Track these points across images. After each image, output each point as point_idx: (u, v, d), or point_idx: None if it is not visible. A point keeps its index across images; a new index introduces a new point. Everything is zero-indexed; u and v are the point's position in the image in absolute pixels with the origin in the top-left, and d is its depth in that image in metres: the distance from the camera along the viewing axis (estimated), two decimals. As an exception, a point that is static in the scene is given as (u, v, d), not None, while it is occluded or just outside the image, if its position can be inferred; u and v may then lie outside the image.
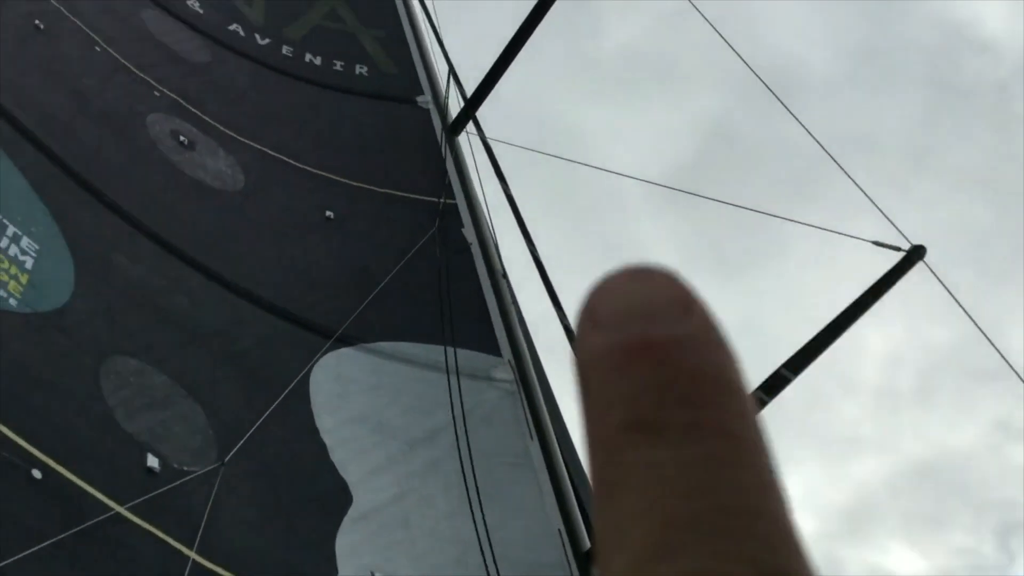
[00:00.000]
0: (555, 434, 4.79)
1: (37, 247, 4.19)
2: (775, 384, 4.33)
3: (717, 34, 6.11)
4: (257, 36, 7.69)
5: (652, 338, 0.32)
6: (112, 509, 3.29)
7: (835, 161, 5.18)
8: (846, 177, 5.10)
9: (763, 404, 4.27)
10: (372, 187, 6.46)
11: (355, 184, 6.44)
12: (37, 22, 5.60)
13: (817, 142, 5.38)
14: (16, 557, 2.84)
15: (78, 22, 5.97)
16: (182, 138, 5.80)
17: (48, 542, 2.96)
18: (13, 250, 4.05)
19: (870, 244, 4.81)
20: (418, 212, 6.28)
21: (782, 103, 5.62)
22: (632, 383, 0.32)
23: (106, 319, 4.17)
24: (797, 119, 5.55)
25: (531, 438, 4.79)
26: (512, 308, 5.44)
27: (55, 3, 5.90)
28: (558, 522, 4.47)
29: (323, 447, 4.56)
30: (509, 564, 4.44)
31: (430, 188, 6.45)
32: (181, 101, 6.15)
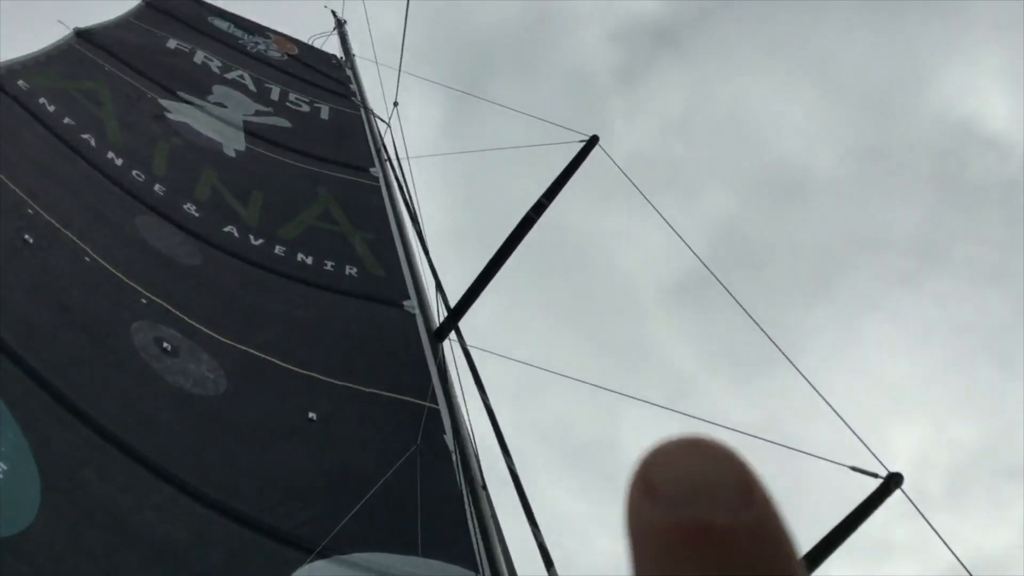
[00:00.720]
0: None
1: (5, 467, 4.16)
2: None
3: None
4: (251, 237, 7.91)
5: (714, 524, 0.31)
6: None
7: (817, 392, 5.23)
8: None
9: None
10: (358, 387, 6.47)
11: (340, 383, 6.45)
12: (26, 236, 5.77)
13: (797, 370, 5.45)
14: None
15: (69, 234, 6.15)
16: (165, 344, 5.86)
17: None
18: (-22, 473, 4.02)
19: (848, 469, 4.79)
20: (402, 414, 6.27)
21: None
22: (691, 568, 0.31)
23: (68, 541, 4.09)
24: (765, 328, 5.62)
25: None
26: (491, 520, 5.35)
27: (47, 216, 6.10)
28: None
29: None
30: None
31: (415, 390, 6.46)
32: (167, 307, 6.25)
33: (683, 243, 7.53)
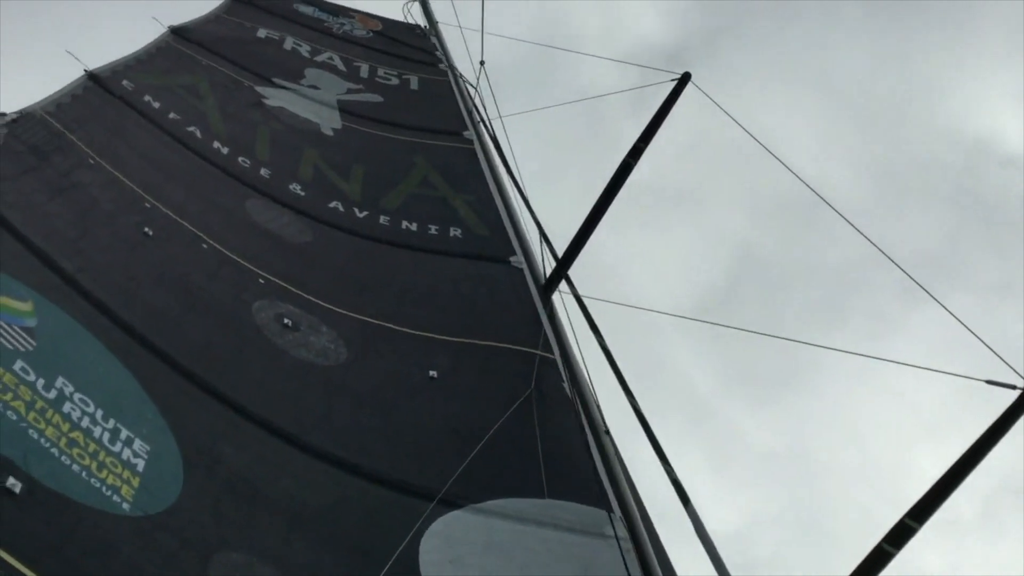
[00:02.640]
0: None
1: (148, 447, 4.39)
2: (900, 535, 4.11)
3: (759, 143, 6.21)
4: (356, 210, 8.07)
5: None
6: None
7: (933, 297, 5.03)
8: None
9: (889, 557, 4.05)
10: (473, 340, 6.56)
11: (456, 340, 6.56)
12: (147, 229, 6.03)
13: (919, 284, 5.25)
14: None
15: (185, 223, 6.40)
16: (286, 320, 6.05)
17: None
18: (126, 453, 4.25)
19: (983, 383, 4.59)
20: (520, 363, 6.32)
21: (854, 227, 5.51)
22: None
23: (212, 515, 4.29)
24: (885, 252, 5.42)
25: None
26: (617, 463, 5.37)
27: (164, 209, 6.36)
28: None
29: None
30: None
31: (530, 339, 6.50)
32: (285, 284, 6.45)
33: (792, 173, 7.31)
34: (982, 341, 4.73)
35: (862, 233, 6.54)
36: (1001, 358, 4.68)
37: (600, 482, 5.19)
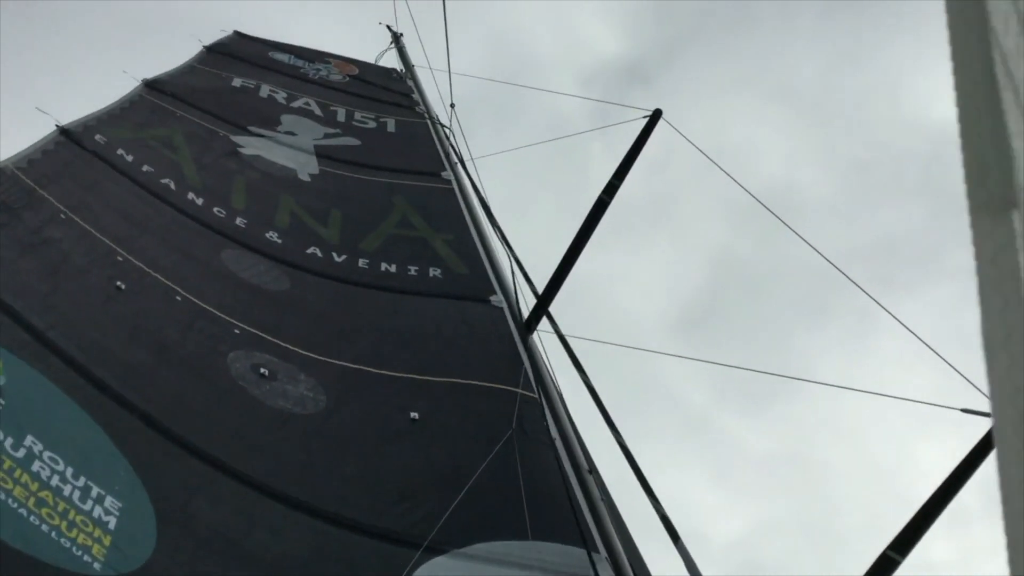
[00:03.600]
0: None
1: (120, 504, 4.31)
2: (884, 569, 4.05)
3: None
4: (334, 254, 8.04)
5: None
6: None
7: (916, 336, 5.02)
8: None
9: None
10: (455, 380, 6.51)
11: (438, 380, 6.51)
12: (119, 283, 5.98)
13: (893, 316, 5.24)
14: None
15: (159, 276, 6.35)
16: (263, 370, 5.99)
17: None
18: (97, 511, 4.17)
19: (958, 412, 4.56)
20: (502, 402, 6.27)
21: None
22: None
23: (188, 572, 4.20)
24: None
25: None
26: (602, 502, 5.30)
27: (136, 261, 6.31)
28: None
29: None
30: None
31: (511, 378, 6.45)
32: (261, 333, 6.39)
33: (748, 193, 7.34)
34: (953, 367, 4.69)
35: (816, 249, 6.56)
36: (974, 385, 4.64)
37: (584, 522, 5.11)
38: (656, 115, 7.60)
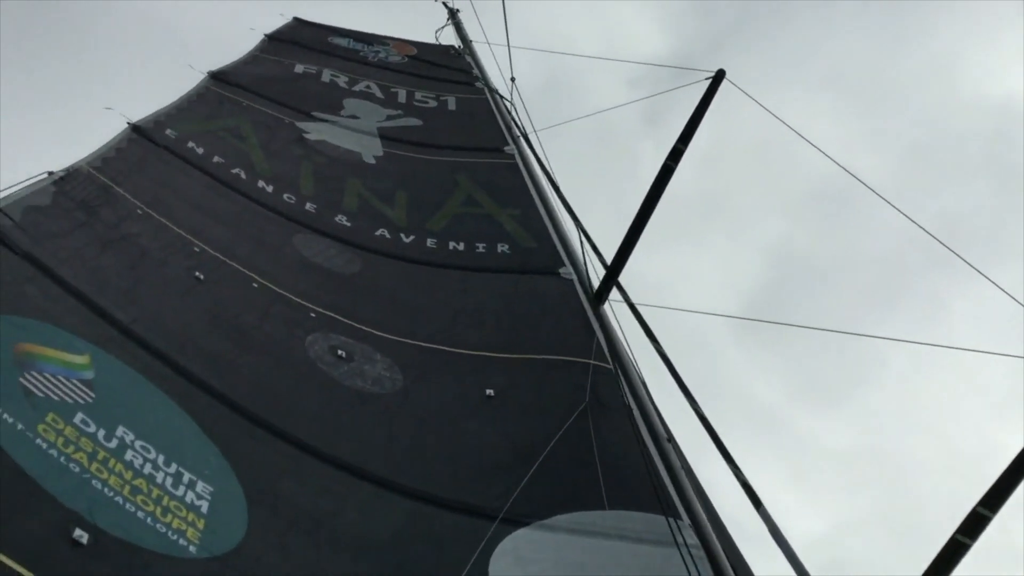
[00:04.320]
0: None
1: (211, 489, 4.43)
2: (974, 525, 3.97)
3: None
4: (402, 235, 8.11)
5: None
6: None
7: (984, 275, 4.87)
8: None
9: (965, 548, 3.91)
10: (528, 355, 6.53)
11: (511, 356, 6.53)
12: (197, 274, 6.12)
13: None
14: None
15: (235, 264, 6.49)
16: (340, 352, 6.09)
17: None
18: (189, 496, 4.30)
19: None
20: (575, 374, 6.28)
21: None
22: None
23: (279, 551, 4.31)
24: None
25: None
26: (681, 469, 5.28)
27: (212, 252, 6.45)
28: None
29: None
30: None
31: (584, 350, 6.45)
32: (336, 316, 6.49)
33: (832, 160, 7.18)
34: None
35: (905, 214, 6.39)
36: None
37: (664, 489, 5.10)
38: (719, 76, 7.47)
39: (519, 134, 10.56)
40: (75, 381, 4.44)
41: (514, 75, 11.57)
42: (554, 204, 8.75)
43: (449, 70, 13.37)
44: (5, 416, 3.89)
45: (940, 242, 5.59)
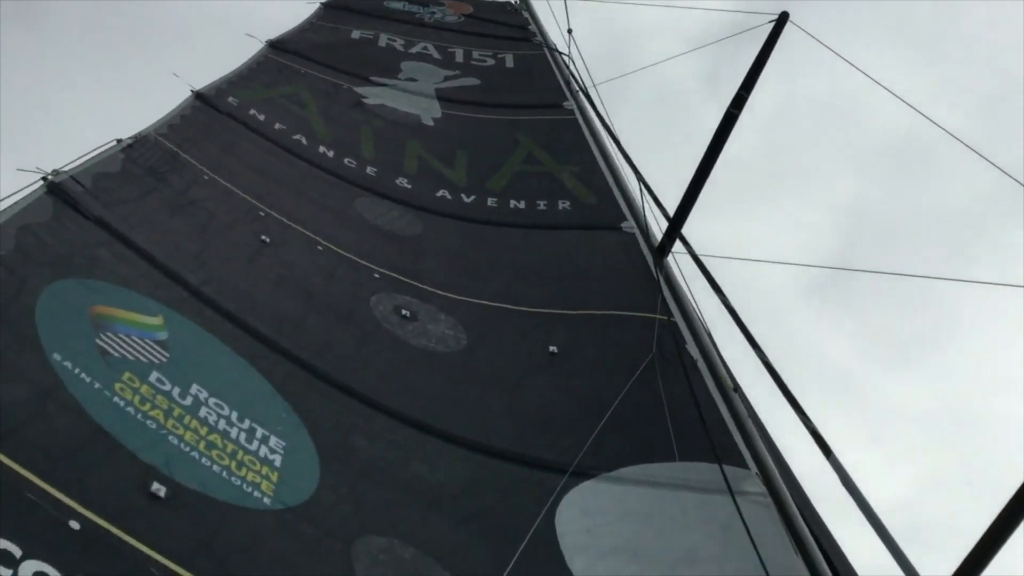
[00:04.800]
0: (817, 545, 4.48)
1: (284, 444, 4.54)
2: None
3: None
4: (463, 195, 8.13)
5: None
6: None
7: None
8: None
9: None
10: (591, 311, 6.53)
11: (573, 312, 6.54)
12: (263, 237, 6.22)
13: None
14: None
15: (300, 228, 6.58)
16: (404, 312, 6.15)
17: None
18: (263, 451, 4.41)
19: None
20: (640, 329, 6.25)
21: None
22: None
23: (351, 503, 4.41)
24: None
25: (795, 553, 4.50)
26: (749, 420, 5.24)
27: (278, 216, 6.55)
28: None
29: None
30: None
31: (648, 304, 6.42)
32: (399, 277, 6.56)
33: (910, 106, 6.97)
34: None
35: (988, 159, 6.19)
36: None
37: (731, 439, 5.08)
38: (783, 18, 7.28)
39: (578, 89, 10.46)
40: (149, 341, 4.57)
41: (571, 27, 11.43)
42: (615, 158, 8.67)
43: (506, 27, 13.28)
44: (83, 376, 4.02)
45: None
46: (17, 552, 2.96)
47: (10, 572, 2.89)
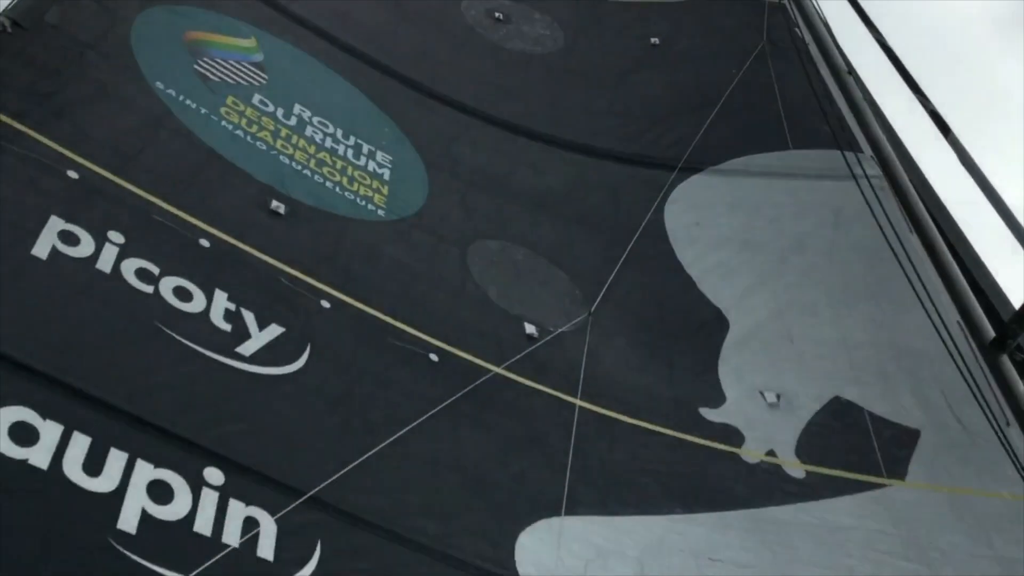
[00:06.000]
0: (933, 222, 4.40)
1: (391, 158, 4.59)
2: None
3: None
4: None
5: None
6: (492, 371, 3.59)
7: None
8: None
9: None
10: None
11: (675, 0, 6.23)
12: None
13: None
14: (422, 419, 3.22)
15: None
16: (497, 14, 5.94)
17: (444, 404, 3.32)
18: (371, 166, 4.48)
19: None
20: (747, 14, 5.93)
21: None
22: None
23: (462, 209, 4.49)
24: None
25: (909, 231, 4.44)
26: (864, 102, 5.01)
27: None
28: (955, 314, 4.13)
29: (690, 281, 4.59)
30: (906, 355, 4.23)
31: None
32: None
33: None
34: None
35: None
36: None
37: (845, 123, 4.90)
38: None
39: None
40: (246, 64, 4.55)
41: None
42: None
43: None
44: (188, 102, 4.07)
45: None
46: (156, 270, 3.14)
47: (151, 288, 3.08)
